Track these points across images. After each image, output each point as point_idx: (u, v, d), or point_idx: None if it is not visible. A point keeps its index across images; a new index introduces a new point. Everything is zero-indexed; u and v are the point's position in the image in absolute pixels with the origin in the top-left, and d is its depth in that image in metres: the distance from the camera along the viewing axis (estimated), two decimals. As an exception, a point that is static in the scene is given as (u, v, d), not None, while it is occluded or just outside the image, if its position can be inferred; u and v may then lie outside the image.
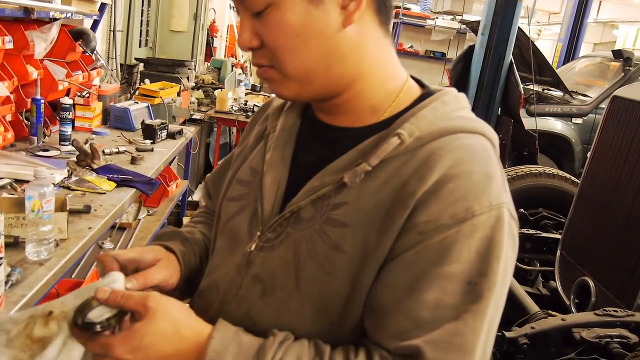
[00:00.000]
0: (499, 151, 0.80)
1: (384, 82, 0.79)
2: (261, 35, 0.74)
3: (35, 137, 2.46)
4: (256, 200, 0.84)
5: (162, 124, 2.96)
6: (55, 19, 2.66)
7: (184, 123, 3.98)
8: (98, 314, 0.70)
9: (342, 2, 0.73)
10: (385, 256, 0.71)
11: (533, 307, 2.24)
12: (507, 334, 1.96)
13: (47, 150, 2.38)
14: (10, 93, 2.35)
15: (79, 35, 2.89)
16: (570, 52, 8.94)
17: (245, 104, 4.85)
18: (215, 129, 5.01)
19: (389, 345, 0.71)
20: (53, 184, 2.04)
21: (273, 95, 0.93)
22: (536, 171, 3.39)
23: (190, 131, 3.28)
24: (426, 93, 0.81)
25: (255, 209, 0.84)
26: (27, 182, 1.97)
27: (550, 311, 2.14)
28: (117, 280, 0.75)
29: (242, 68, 6.55)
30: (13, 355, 0.70)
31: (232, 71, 5.79)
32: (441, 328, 0.69)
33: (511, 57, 4.06)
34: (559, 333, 1.95)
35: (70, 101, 2.55)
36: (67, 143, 2.50)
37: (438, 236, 0.69)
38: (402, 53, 11.83)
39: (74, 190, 2.05)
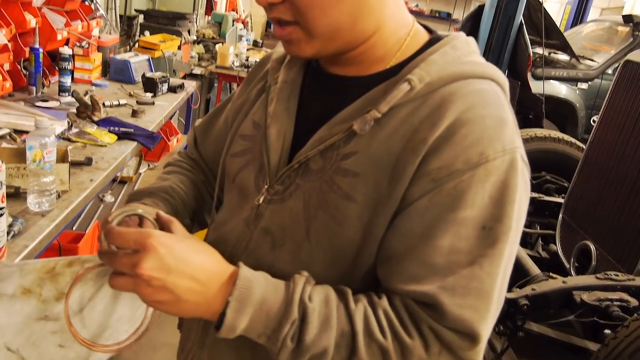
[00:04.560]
0: (509, 96, 0.78)
1: (396, 30, 0.77)
2: None
3: (34, 87, 2.41)
4: (261, 153, 0.82)
5: (163, 77, 2.91)
6: (53, -35, 2.56)
7: (184, 77, 3.90)
8: None
9: None
10: (398, 204, 0.70)
11: (534, 269, 2.25)
12: (508, 295, 1.97)
13: (46, 100, 2.33)
14: (8, 41, 2.29)
15: (77, -17, 2.80)
16: (578, 16, 8.76)
17: (247, 60, 4.76)
18: (215, 84, 4.93)
19: (403, 288, 0.70)
20: (54, 135, 2.01)
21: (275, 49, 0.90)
22: (542, 135, 3.35)
23: (191, 85, 3.22)
24: (435, 38, 0.79)
25: (262, 163, 0.82)
26: (27, 132, 1.93)
27: (551, 273, 2.14)
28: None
29: (243, 23, 6.41)
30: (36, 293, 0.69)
31: (233, 26, 5.67)
32: (456, 274, 0.68)
33: (521, 18, 3.96)
34: (560, 295, 1.96)
35: (70, 51, 2.49)
36: (67, 94, 2.45)
37: (452, 182, 0.68)
38: (406, 12, 11.57)
39: (74, 142, 2.02)
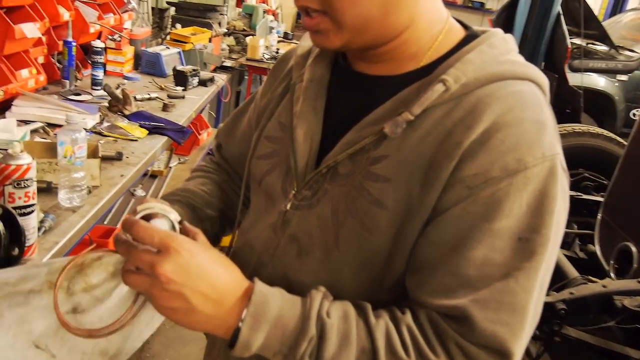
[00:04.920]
0: (549, 97, 0.74)
1: (430, 26, 0.73)
2: None
3: (67, 81, 2.42)
4: (288, 156, 0.79)
5: (194, 70, 2.90)
6: (86, -42, 2.57)
7: (214, 70, 3.90)
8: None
9: None
10: (430, 212, 0.67)
11: (572, 271, 2.17)
12: (545, 299, 1.90)
13: (78, 94, 2.34)
14: (42, 35, 2.31)
15: (110, -24, 2.81)
16: (617, 4, 8.47)
17: (277, 52, 4.73)
18: (246, 77, 4.92)
19: (432, 302, 0.67)
20: (85, 129, 2.01)
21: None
22: (579, 130, 3.24)
23: (221, 79, 3.21)
24: (471, 35, 0.74)
25: (289, 166, 0.79)
26: (60, 126, 1.94)
27: (590, 277, 2.07)
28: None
29: (273, 14, 6.37)
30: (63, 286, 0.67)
31: (263, 18, 5.64)
32: (489, 287, 0.65)
33: (559, 8, 3.83)
34: (599, 300, 1.89)
35: (102, 44, 2.50)
36: (99, 87, 2.46)
37: (487, 190, 0.64)
38: (438, 2, 11.36)
39: (106, 136, 2.02)
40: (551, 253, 0.67)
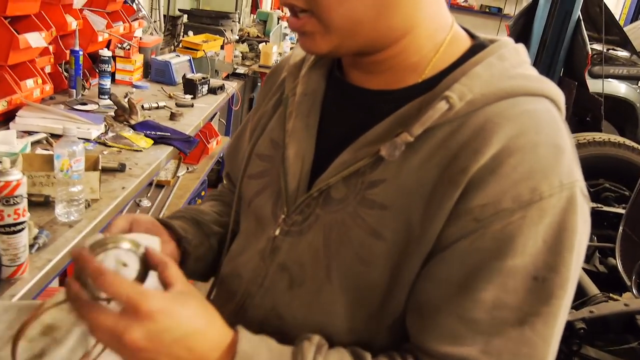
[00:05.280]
0: (564, 115, 0.67)
1: (433, 34, 0.66)
2: None
3: (74, 90, 2.40)
4: (279, 176, 0.73)
5: (203, 78, 2.86)
6: (95, -34, 2.55)
7: (227, 77, 3.86)
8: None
9: None
10: (433, 245, 0.61)
11: (592, 288, 2.08)
12: (562, 317, 1.82)
13: (85, 104, 2.31)
14: (49, 44, 2.28)
15: (119, -16, 2.79)
16: (639, 9, 8.30)
17: (290, 59, 4.68)
18: (259, 84, 4.88)
19: (437, 349, 0.60)
20: (89, 139, 1.98)
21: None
22: (600, 139, 3.13)
23: (232, 86, 3.17)
24: (478, 45, 0.67)
25: (280, 188, 0.73)
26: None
27: (611, 294, 1.97)
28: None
29: (288, 21, 6.35)
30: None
31: (278, 24, 5.61)
32: (503, 335, 0.58)
33: (579, 13, 3.73)
34: (621, 319, 1.80)
35: (109, 53, 2.47)
36: (106, 97, 2.43)
37: (498, 223, 0.57)
38: (454, 7, 11.28)
39: (110, 146, 1.98)
40: (570, 294, 0.60)
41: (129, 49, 2.81)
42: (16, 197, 1.10)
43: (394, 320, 0.66)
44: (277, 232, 0.71)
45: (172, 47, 4.34)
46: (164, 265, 0.58)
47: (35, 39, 2.02)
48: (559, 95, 0.66)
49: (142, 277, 0.59)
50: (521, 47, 0.68)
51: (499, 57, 0.64)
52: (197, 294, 0.59)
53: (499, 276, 0.58)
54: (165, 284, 0.58)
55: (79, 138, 1.94)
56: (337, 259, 0.65)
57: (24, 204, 1.13)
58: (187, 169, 2.92)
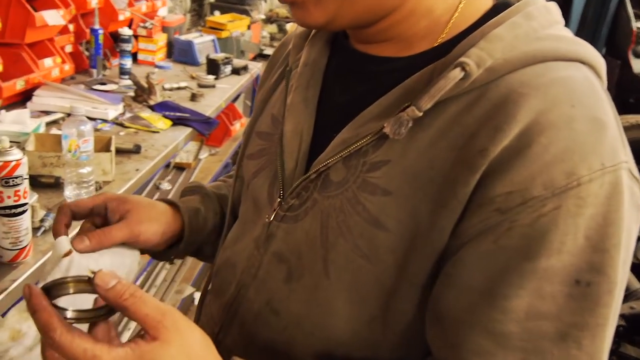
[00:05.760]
0: (606, 84, 0.56)
1: None
2: None
3: (95, 70, 2.36)
4: (277, 156, 0.65)
5: (226, 58, 2.79)
6: (116, -57, 2.49)
7: (254, 59, 3.79)
8: (71, 302, 0.50)
9: None
10: (447, 241, 0.51)
11: (633, 282, 1.94)
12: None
13: (104, 84, 2.27)
14: (69, 23, 2.24)
15: (141, -39, 2.73)
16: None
17: (319, 40, 4.57)
18: (286, 65, 4.79)
19: None
20: (106, 120, 1.94)
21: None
22: (644, 122, 2.96)
23: (256, 67, 3.09)
24: (500, 4, 0.57)
25: (277, 168, 0.65)
26: (80, 117, 1.87)
27: (654, 288, 1.84)
28: (63, 248, 0.60)
29: None
30: None
31: (307, 4, 5.50)
32: (542, 352, 0.49)
33: (624, -13, 3.52)
34: (664, 316, 1.67)
35: (130, 32, 2.41)
36: (126, 77, 2.38)
37: (528, 215, 0.48)
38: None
39: (127, 127, 1.94)
40: (618, 301, 0.50)
41: (151, 28, 2.76)
42: (16, 177, 1.06)
43: (405, 327, 0.57)
44: (271, 218, 0.63)
45: (200, 27, 4.28)
46: (125, 309, 0.47)
47: (53, 17, 1.98)
48: (599, 61, 0.56)
49: (108, 313, 0.50)
50: (553, 4, 0.57)
51: (526, 16, 0.53)
52: (177, 344, 0.47)
53: (532, 280, 0.48)
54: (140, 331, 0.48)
55: (96, 119, 1.91)
56: (334, 251, 0.57)
57: (24, 185, 1.08)
58: (210, 151, 2.87)
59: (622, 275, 0.50)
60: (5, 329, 0.57)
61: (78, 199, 0.66)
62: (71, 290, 0.50)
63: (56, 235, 0.66)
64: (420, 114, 0.52)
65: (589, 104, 0.50)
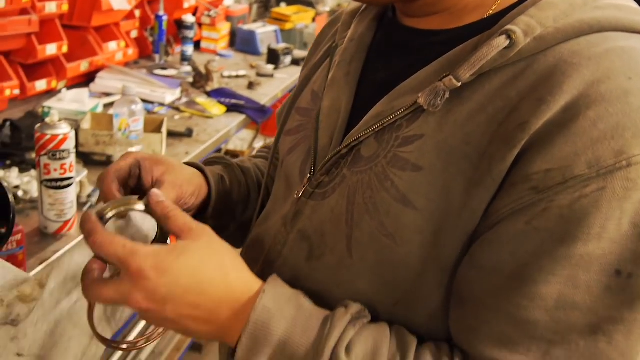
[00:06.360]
0: None
1: None
2: None
3: (157, 55, 2.42)
4: (313, 132, 0.63)
5: (287, 49, 2.79)
6: None
7: (316, 51, 3.78)
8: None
9: None
10: (478, 222, 0.48)
11: None
12: None
13: (165, 69, 2.32)
14: (135, 8, 2.31)
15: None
16: None
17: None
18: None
19: (482, 354, 0.48)
20: (163, 104, 1.97)
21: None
22: None
23: (317, 59, 3.08)
24: None
25: (311, 145, 0.63)
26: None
27: None
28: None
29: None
30: None
31: None
32: (568, 344, 0.45)
33: None
34: None
35: (193, 19, 2.46)
36: (187, 63, 2.43)
37: (567, 195, 0.44)
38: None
39: (182, 112, 1.97)
40: None
41: (215, 17, 2.80)
42: (63, 151, 1.08)
43: (431, 312, 0.54)
44: (300, 194, 0.61)
45: (265, 18, 4.32)
46: (167, 218, 0.54)
47: (119, 2, 2.04)
48: None
49: (162, 239, 0.57)
50: None
51: None
52: (207, 243, 0.53)
53: (567, 267, 0.44)
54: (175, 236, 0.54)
55: (153, 102, 1.95)
56: (359, 229, 0.54)
57: (71, 159, 1.10)
58: (265, 140, 2.88)
59: None
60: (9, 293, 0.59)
61: (113, 164, 0.65)
62: (122, 209, 0.56)
63: (105, 194, 0.65)
64: (459, 84, 0.48)
65: None
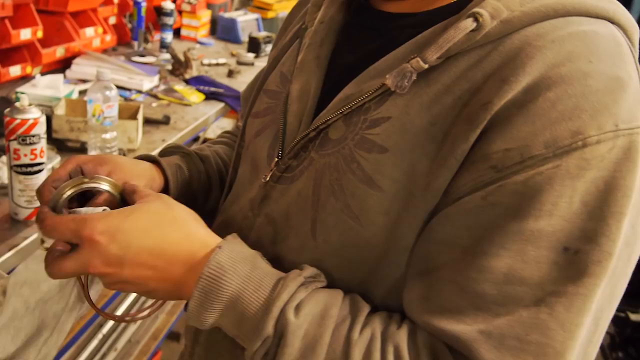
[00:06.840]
0: (638, 50, 0.52)
1: None
2: None
3: (136, 42, 2.39)
4: (281, 115, 0.63)
5: (268, 37, 2.78)
6: None
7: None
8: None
9: None
10: (439, 200, 0.49)
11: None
12: (633, 317, 1.61)
13: (143, 56, 2.30)
14: (113, -6, 2.28)
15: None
16: None
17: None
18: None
19: (432, 323, 0.49)
20: (140, 91, 1.96)
21: None
22: None
23: (298, 48, 3.07)
24: None
25: (279, 128, 0.63)
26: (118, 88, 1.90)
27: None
28: None
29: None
30: None
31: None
32: (511, 314, 0.46)
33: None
34: None
35: (172, 6, 2.43)
36: (166, 50, 2.40)
37: (523, 173, 0.45)
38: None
39: (160, 99, 1.95)
40: (617, 275, 0.46)
41: (195, 4, 2.77)
42: (33, 136, 1.07)
43: (389, 288, 0.55)
44: (267, 178, 0.62)
45: (247, 6, 4.28)
46: (133, 192, 0.57)
47: (95, -13, 2.01)
48: (632, 24, 0.51)
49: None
50: None
51: None
52: (160, 203, 0.56)
53: (517, 241, 0.45)
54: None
55: (131, 89, 1.93)
56: (323, 211, 0.55)
57: (41, 144, 1.09)
58: (246, 129, 2.87)
59: (620, 249, 0.45)
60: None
61: (52, 173, 0.64)
62: (76, 188, 0.57)
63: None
64: (426, 66, 0.49)
65: (610, 62, 0.46)
